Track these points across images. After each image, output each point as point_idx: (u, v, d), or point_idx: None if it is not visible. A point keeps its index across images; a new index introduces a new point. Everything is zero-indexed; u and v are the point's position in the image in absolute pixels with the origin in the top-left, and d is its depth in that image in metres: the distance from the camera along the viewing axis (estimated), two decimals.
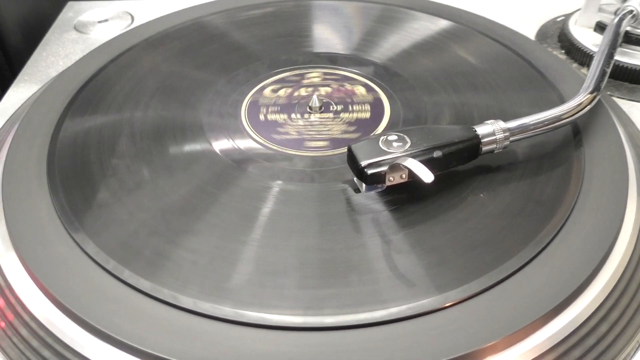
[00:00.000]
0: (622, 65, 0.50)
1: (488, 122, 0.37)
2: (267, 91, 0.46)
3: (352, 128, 0.42)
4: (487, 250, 0.33)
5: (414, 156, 0.34)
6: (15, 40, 0.65)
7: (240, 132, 0.42)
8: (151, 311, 0.30)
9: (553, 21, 0.60)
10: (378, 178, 0.35)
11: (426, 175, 0.33)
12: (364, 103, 0.45)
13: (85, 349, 0.30)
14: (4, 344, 0.32)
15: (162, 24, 0.54)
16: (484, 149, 0.37)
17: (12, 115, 0.48)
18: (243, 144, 0.41)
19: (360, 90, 0.46)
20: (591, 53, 0.52)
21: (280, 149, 0.40)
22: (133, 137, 0.41)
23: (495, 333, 0.29)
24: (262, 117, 0.43)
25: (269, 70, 0.48)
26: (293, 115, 0.44)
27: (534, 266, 0.32)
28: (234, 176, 0.38)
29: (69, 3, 0.65)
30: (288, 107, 0.44)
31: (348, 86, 0.47)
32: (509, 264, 0.32)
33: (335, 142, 0.41)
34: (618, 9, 0.51)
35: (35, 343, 0.31)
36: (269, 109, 0.44)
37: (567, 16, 0.58)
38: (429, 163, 0.34)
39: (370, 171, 0.34)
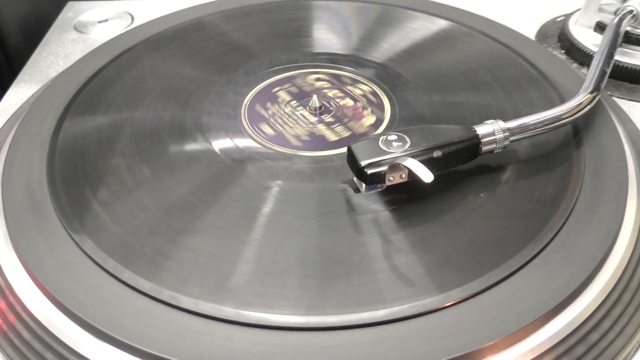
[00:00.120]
0: (622, 65, 0.50)
1: (488, 122, 0.37)
2: (267, 91, 0.46)
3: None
4: (487, 249, 0.33)
5: (413, 156, 0.34)
6: (15, 40, 0.65)
7: (240, 132, 0.42)
8: (151, 311, 0.30)
9: (553, 21, 0.60)
10: (378, 178, 0.35)
11: (426, 175, 0.33)
12: (363, 103, 0.45)
13: (85, 349, 0.30)
14: (3, 344, 0.32)
15: (162, 24, 0.55)
16: (484, 148, 0.37)
17: (12, 115, 0.48)
18: (243, 143, 0.41)
19: (360, 90, 0.46)
20: (591, 53, 0.52)
21: (280, 149, 0.40)
22: (133, 137, 0.41)
23: (495, 333, 0.29)
24: (262, 116, 0.43)
25: (269, 70, 0.48)
26: (293, 115, 0.44)
27: (534, 266, 0.32)
28: (234, 176, 0.38)
29: (69, 3, 0.65)
30: (288, 107, 0.44)
31: (348, 86, 0.47)
32: (509, 263, 0.32)
33: (335, 142, 0.41)
34: (618, 9, 0.51)
35: (37, 345, 0.31)
36: (269, 109, 0.44)
37: (567, 16, 0.58)
38: (429, 163, 0.34)
39: (370, 171, 0.34)
